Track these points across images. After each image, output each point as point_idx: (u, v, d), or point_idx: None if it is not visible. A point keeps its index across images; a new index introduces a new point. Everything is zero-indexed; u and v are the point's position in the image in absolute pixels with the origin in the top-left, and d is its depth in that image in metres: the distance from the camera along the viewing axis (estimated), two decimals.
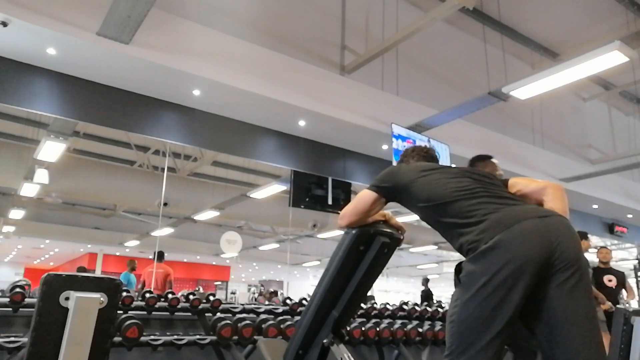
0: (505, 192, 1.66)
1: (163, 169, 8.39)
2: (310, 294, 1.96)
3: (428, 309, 5.16)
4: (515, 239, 1.42)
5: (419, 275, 23.31)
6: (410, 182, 1.70)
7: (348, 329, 4.01)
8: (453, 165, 1.82)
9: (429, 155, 2.01)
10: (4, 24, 3.77)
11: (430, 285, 11.06)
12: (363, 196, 1.77)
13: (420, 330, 4.54)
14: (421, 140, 5.90)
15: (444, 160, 6.11)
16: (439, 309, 5.23)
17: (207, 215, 10.36)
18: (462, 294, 1.47)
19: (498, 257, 1.41)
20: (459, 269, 1.52)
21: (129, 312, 3.65)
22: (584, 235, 5.07)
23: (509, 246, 1.41)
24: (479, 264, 1.44)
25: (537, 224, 1.46)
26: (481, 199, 1.57)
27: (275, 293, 12.59)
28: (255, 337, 3.77)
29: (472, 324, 1.43)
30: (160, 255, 7.33)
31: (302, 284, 21.06)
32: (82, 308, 1.22)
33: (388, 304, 5.48)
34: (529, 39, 7.37)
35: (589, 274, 1.50)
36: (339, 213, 1.82)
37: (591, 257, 5.22)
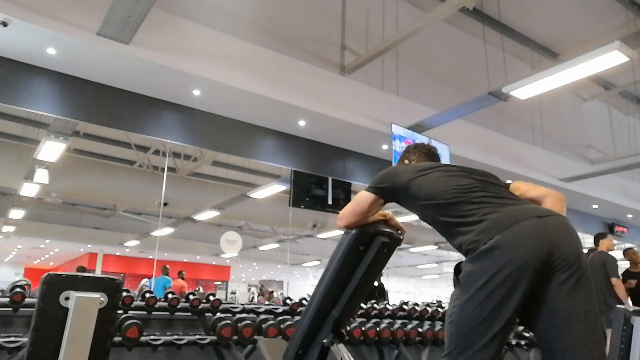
0: (506, 192, 1.64)
1: (163, 169, 8.39)
2: (310, 294, 1.95)
3: (383, 307, 5.08)
4: (515, 239, 1.42)
5: (419, 275, 23.34)
6: (408, 181, 1.69)
7: (348, 329, 4.02)
8: (453, 164, 1.81)
9: (430, 152, 2.00)
10: (4, 24, 3.77)
11: (431, 285, 11.12)
12: (361, 198, 1.77)
13: (420, 330, 4.55)
14: (421, 141, 5.91)
15: (445, 160, 6.11)
16: (439, 309, 5.24)
17: (207, 215, 10.36)
18: (461, 295, 1.47)
19: (497, 257, 1.41)
20: (458, 269, 1.52)
21: (129, 312, 3.66)
22: (603, 236, 5.07)
23: (509, 247, 1.41)
24: (478, 264, 1.44)
25: (537, 223, 1.46)
26: (481, 198, 1.56)
27: (268, 293, 12.80)
28: (255, 337, 3.77)
29: (471, 325, 1.43)
30: (180, 273, 9.63)
31: (302, 284, 21.05)
32: (82, 308, 1.22)
33: (388, 303, 5.48)
34: (529, 39, 7.37)
35: (589, 273, 1.49)
36: (338, 213, 1.82)
37: (616, 254, 5.22)
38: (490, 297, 1.40)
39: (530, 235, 1.43)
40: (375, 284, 8.90)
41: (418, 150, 2.01)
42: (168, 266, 9.09)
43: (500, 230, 1.44)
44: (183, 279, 9.55)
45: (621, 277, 4.95)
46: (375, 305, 5.02)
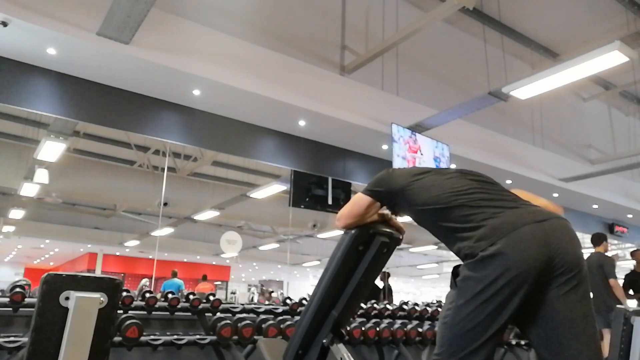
0: (505, 193, 1.63)
1: (163, 169, 8.39)
2: (310, 294, 1.95)
3: (383, 307, 5.08)
4: (514, 246, 1.41)
5: (419, 275, 23.34)
6: (405, 185, 1.68)
7: (348, 328, 4.01)
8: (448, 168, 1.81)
9: None
10: (4, 24, 3.77)
11: (431, 285, 11.27)
12: (358, 200, 1.77)
13: (420, 330, 4.55)
14: (421, 140, 5.90)
15: (444, 160, 6.12)
16: (439, 309, 5.23)
17: (207, 215, 10.37)
18: (457, 298, 1.47)
19: (496, 265, 1.40)
20: (456, 271, 1.52)
21: (129, 312, 3.65)
22: (603, 238, 5.08)
23: (508, 254, 1.40)
24: (477, 270, 1.44)
25: (536, 229, 1.45)
26: (479, 201, 1.55)
27: (268, 293, 12.96)
28: (255, 337, 3.77)
29: (465, 328, 1.43)
30: (204, 277, 10.80)
31: (302, 284, 21.04)
32: (82, 308, 1.22)
33: (388, 303, 5.48)
34: (529, 39, 7.37)
35: (588, 278, 1.49)
36: (338, 213, 1.82)
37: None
38: (487, 303, 1.41)
39: (530, 242, 1.42)
40: (382, 284, 8.89)
41: None
42: (176, 270, 9.48)
43: (500, 237, 1.43)
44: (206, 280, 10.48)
45: (619, 276, 4.98)
46: (375, 305, 5.02)
